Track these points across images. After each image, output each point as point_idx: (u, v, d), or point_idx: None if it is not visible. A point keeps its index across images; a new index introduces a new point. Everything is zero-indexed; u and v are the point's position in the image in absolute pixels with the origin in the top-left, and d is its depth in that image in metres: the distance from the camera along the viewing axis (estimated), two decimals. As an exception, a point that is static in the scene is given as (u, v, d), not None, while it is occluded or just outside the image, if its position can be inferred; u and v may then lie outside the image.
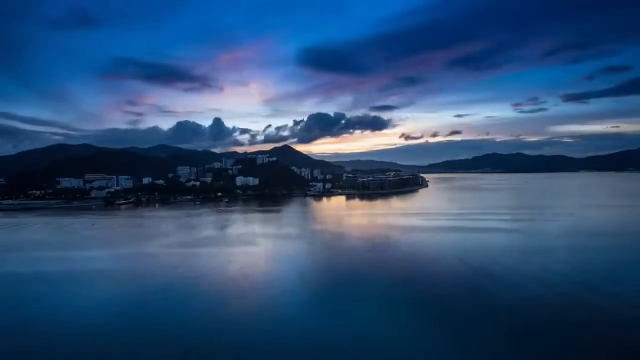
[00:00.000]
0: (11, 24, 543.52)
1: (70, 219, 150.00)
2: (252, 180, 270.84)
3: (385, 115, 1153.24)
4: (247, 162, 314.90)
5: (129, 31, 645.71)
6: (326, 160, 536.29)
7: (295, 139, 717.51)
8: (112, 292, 58.35)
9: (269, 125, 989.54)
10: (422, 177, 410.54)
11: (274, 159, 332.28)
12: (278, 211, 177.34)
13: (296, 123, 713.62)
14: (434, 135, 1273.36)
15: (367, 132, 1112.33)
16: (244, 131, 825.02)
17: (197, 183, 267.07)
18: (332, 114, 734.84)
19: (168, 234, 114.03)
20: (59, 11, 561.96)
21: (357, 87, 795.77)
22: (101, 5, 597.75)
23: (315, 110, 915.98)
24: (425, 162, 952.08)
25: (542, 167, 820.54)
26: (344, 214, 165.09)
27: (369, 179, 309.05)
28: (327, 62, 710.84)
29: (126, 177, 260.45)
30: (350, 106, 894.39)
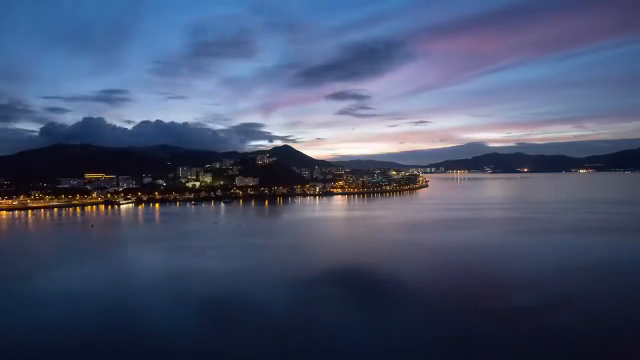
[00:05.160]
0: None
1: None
2: (252, 180, 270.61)
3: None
4: (247, 162, 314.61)
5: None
6: (326, 160, 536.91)
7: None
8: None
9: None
10: (422, 177, 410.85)
11: (274, 158, 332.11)
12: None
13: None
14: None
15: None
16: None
17: (197, 183, 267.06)
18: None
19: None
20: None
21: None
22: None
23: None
24: (425, 162, 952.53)
25: (542, 167, 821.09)
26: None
27: (369, 179, 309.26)
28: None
29: (126, 177, 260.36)
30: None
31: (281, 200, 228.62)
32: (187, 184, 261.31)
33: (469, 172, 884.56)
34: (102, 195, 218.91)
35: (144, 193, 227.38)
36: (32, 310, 51.26)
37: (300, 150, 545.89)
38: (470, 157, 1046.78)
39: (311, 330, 43.81)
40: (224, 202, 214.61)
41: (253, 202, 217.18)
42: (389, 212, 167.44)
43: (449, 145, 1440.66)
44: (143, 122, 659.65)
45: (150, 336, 43.20)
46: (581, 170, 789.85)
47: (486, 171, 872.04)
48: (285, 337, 42.07)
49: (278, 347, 39.59)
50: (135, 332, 43.97)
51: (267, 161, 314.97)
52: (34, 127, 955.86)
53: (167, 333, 43.47)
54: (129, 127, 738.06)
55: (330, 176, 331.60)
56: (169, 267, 74.18)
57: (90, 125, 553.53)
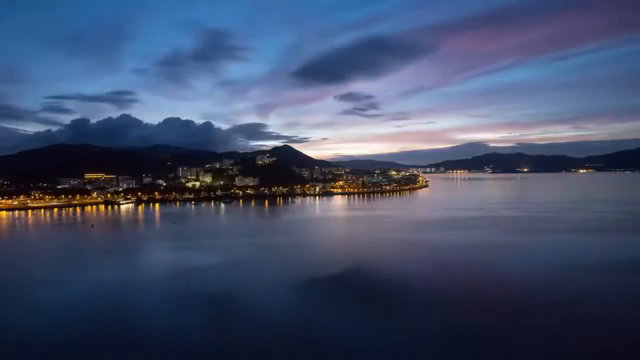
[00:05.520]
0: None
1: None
2: (252, 180, 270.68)
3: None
4: (247, 162, 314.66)
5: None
6: (326, 160, 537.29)
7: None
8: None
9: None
10: (422, 177, 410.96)
11: (274, 158, 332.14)
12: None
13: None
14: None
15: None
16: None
17: (197, 183, 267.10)
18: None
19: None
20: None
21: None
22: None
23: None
24: (425, 162, 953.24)
25: (542, 167, 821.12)
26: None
27: (369, 179, 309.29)
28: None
29: (126, 177, 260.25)
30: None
31: (281, 201, 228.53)
32: (187, 184, 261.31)
33: (469, 172, 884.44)
34: (102, 195, 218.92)
35: (144, 193, 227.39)
36: (34, 311, 51.33)
37: (300, 150, 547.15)
38: (470, 157, 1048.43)
39: (310, 329, 43.82)
40: (223, 202, 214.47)
41: (253, 202, 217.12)
42: (389, 211, 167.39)
43: (449, 145, 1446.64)
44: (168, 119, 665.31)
45: (149, 333, 43.20)
46: (581, 170, 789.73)
47: (486, 171, 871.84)
48: (285, 336, 42.10)
49: (278, 346, 39.62)
50: (136, 329, 44.06)
51: (267, 161, 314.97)
52: (34, 128, 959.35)
53: (167, 330, 43.49)
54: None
55: (330, 176, 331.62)
56: (167, 265, 74.25)
57: (129, 124, 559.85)
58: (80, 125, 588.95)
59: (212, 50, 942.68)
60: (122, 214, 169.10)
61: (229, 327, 45.01)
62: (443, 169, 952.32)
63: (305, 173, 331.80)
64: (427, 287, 58.26)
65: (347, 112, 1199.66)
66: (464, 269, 68.99)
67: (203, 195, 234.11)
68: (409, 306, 50.70)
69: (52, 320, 47.73)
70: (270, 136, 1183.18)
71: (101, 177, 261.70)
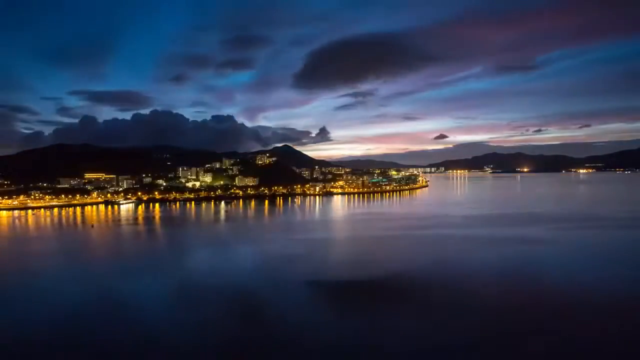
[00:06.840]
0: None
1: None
2: (252, 180, 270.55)
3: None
4: (247, 162, 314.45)
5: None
6: (326, 160, 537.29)
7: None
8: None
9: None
10: (422, 176, 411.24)
11: (274, 158, 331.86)
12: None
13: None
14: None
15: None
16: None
17: (197, 183, 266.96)
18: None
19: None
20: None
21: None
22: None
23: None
24: (425, 162, 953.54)
25: (542, 167, 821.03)
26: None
27: (369, 179, 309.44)
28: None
29: (126, 177, 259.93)
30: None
31: (281, 201, 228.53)
32: (187, 184, 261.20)
33: (469, 171, 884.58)
34: (102, 195, 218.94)
35: (144, 193, 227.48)
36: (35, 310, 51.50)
37: (300, 150, 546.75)
38: (470, 157, 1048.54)
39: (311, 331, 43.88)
40: (224, 202, 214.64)
41: (252, 202, 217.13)
42: (390, 210, 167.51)
43: (449, 145, 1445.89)
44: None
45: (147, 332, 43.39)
46: (581, 170, 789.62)
47: (486, 171, 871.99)
48: (285, 337, 42.19)
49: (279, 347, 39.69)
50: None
51: (267, 161, 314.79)
52: (34, 128, 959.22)
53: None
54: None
55: (330, 176, 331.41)
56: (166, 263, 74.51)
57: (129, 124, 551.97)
58: (79, 125, 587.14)
59: (209, 52, 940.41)
60: (122, 214, 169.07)
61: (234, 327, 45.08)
62: (443, 169, 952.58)
63: (305, 173, 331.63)
64: (434, 287, 58.28)
65: (347, 113, 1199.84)
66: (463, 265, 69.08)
67: (203, 195, 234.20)
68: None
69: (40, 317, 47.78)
70: (270, 136, 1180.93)
71: (101, 177, 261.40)
